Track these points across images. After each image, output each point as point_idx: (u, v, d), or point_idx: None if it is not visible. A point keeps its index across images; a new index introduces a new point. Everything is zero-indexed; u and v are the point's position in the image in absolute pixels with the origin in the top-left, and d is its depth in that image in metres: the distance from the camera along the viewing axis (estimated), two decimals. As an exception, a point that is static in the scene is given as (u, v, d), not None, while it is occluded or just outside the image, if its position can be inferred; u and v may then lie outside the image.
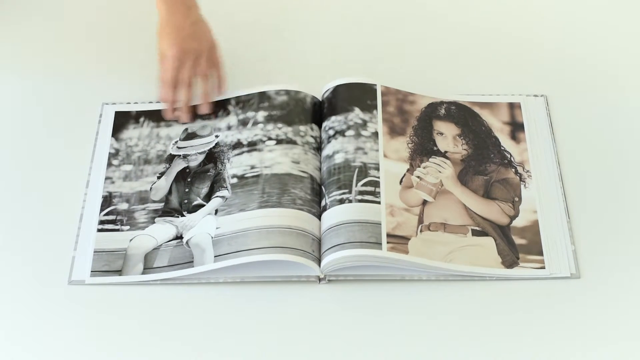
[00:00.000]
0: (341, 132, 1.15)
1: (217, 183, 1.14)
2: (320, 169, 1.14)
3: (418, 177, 1.12)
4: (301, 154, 1.14)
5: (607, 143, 1.19)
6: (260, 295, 1.05)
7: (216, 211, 1.11)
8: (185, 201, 1.13)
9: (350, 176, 1.11)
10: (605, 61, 1.29)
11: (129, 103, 1.23)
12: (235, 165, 1.15)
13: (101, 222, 1.11)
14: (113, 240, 1.10)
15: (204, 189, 1.14)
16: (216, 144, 1.18)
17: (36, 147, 1.20)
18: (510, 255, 1.07)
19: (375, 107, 1.18)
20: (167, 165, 1.17)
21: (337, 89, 1.20)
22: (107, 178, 1.15)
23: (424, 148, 1.16)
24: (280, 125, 1.18)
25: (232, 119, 1.20)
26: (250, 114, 1.20)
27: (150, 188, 1.15)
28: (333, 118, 1.17)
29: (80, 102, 1.24)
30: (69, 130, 1.21)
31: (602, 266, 1.07)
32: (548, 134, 1.19)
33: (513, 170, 1.14)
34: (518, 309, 1.04)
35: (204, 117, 1.21)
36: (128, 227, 1.11)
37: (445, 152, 1.16)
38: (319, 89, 1.22)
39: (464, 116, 1.19)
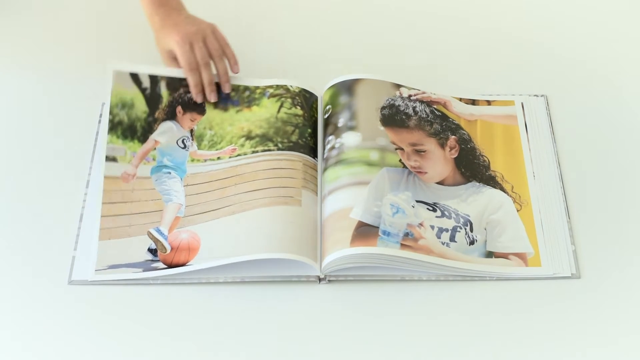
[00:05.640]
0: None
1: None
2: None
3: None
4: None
5: (607, 143, 1.19)
6: (260, 295, 1.05)
7: None
8: None
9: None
10: (605, 61, 1.29)
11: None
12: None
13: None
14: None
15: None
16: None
17: (36, 147, 1.20)
18: None
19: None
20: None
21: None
22: None
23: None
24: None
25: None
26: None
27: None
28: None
29: (80, 102, 1.24)
30: (69, 130, 1.21)
31: (602, 266, 1.07)
32: (548, 134, 1.20)
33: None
34: (518, 309, 1.04)
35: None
36: None
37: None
38: (319, 88, 1.23)
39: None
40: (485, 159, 1.15)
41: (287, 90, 1.21)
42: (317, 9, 1.38)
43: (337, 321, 1.04)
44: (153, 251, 1.09)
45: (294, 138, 1.17)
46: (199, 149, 1.18)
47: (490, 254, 1.07)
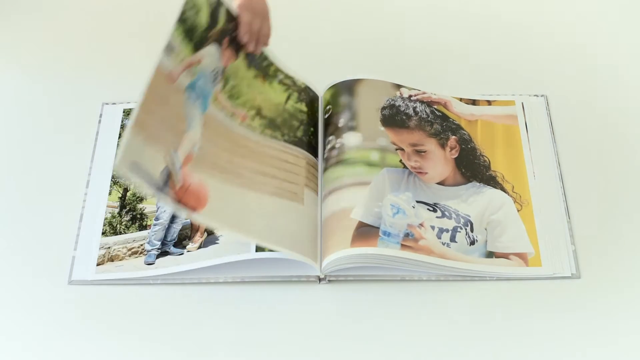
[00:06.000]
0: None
1: None
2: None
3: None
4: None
5: (607, 143, 1.19)
6: (260, 295, 1.05)
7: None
8: None
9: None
10: (606, 61, 1.29)
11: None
12: None
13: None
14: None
15: None
16: None
17: (36, 147, 1.20)
18: None
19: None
20: None
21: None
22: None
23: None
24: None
25: None
26: None
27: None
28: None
29: (80, 102, 1.24)
30: (68, 130, 1.21)
31: (602, 266, 1.07)
32: (548, 134, 1.20)
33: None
34: (518, 309, 1.04)
35: None
36: None
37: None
38: (319, 88, 1.23)
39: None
40: (486, 159, 1.15)
41: (294, 82, 1.21)
42: (317, 9, 1.38)
43: (337, 321, 1.04)
44: (165, 178, 0.98)
45: (299, 134, 1.17)
46: (221, 91, 1.13)
47: (490, 254, 1.07)
